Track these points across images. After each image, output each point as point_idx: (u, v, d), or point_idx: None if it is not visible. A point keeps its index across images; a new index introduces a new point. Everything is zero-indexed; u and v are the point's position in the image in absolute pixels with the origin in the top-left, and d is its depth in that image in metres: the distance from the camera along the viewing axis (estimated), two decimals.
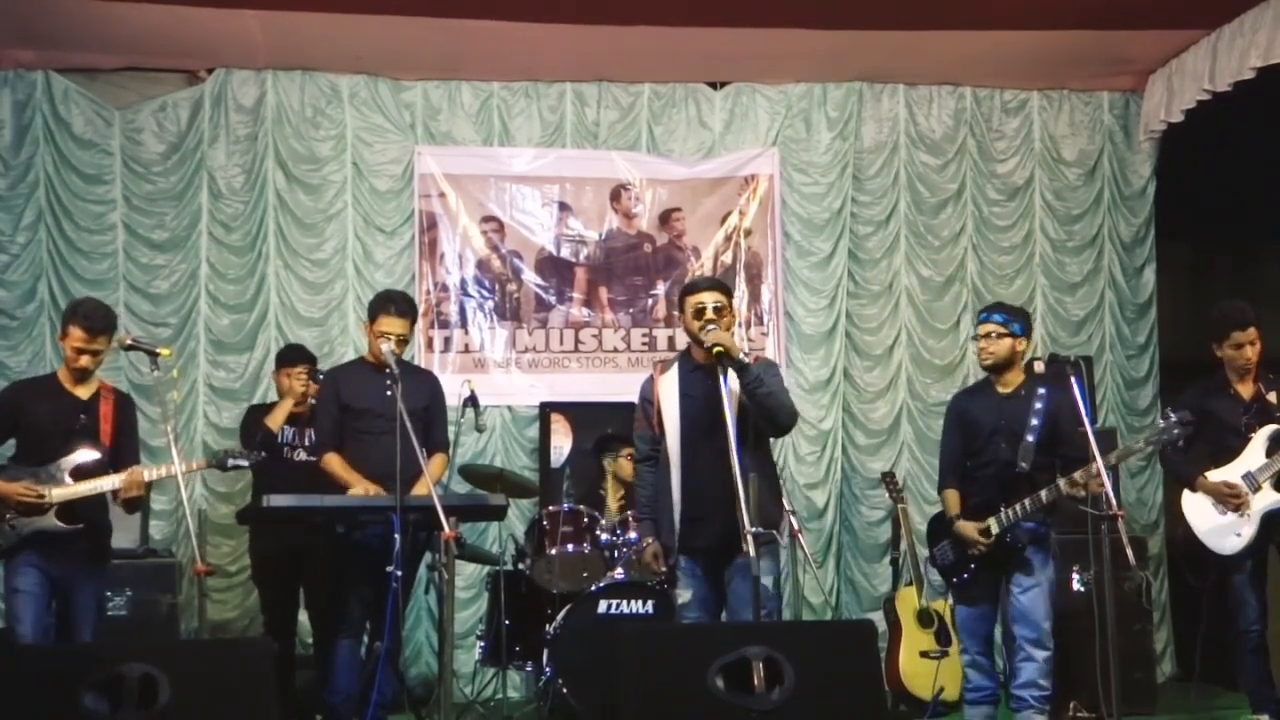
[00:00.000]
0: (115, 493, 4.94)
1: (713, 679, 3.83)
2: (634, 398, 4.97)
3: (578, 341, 7.45)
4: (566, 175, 7.52)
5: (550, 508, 6.19)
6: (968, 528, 5.08)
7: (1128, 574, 6.02)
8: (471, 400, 6.21)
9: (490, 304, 7.41)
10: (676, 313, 4.94)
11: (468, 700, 6.35)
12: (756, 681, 3.84)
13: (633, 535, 5.83)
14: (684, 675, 3.85)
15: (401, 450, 4.80)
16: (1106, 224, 7.83)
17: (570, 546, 6.01)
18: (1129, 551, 4.76)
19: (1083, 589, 6.05)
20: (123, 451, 5.05)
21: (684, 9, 6.59)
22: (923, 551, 5.98)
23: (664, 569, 4.74)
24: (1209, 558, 5.53)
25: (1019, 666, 5.04)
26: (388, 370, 5.07)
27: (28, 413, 4.99)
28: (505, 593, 5.94)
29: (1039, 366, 6.63)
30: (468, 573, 6.93)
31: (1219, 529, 5.47)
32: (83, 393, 5.03)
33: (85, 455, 4.94)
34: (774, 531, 4.67)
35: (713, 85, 7.65)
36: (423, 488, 4.93)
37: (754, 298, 7.61)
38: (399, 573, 4.79)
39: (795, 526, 5.98)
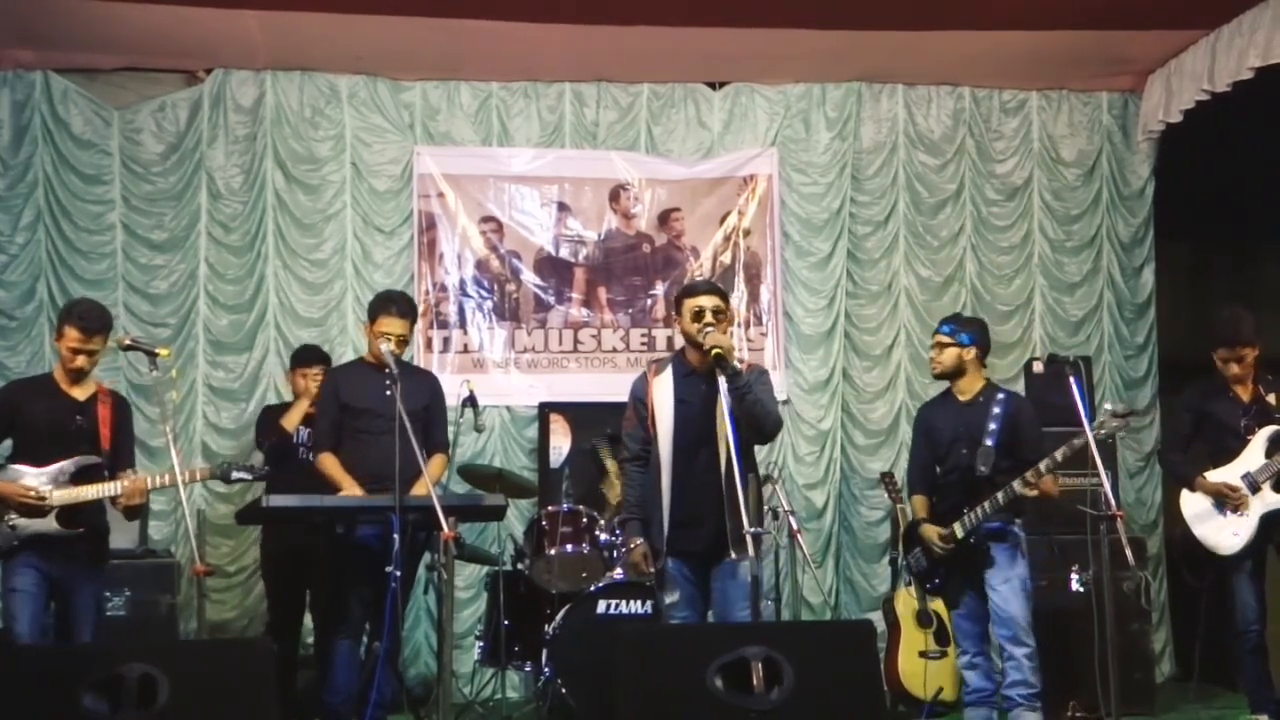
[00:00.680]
0: (115, 498, 4.93)
1: (711, 679, 3.84)
2: None
3: (576, 342, 7.45)
4: (565, 175, 7.52)
5: (549, 508, 6.20)
6: (929, 531, 5.20)
7: (1127, 574, 6.03)
8: (470, 400, 6.22)
9: (489, 304, 7.41)
10: (674, 314, 4.90)
11: (467, 700, 6.36)
12: (755, 682, 3.84)
13: None
14: (683, 675, 3.85)
15: (401, 450, 4.81)
16: (1105, 224, 7.83)
17: (569, 547, 6.01)
18: (1128, 552, 4.79)
19: (1082, 589, 6.06)
20: (119, 455, 5.04)
21: (683, 9, 6.59)
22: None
23: (652, 570, 4.74)
24: (1208, 558, 5.55)
25: (1005, 668, 5.10)
26: (387, 370, 5.08)
27: (24, 412, 4.98)
28: (504, 593, 5.94)
29: (1037, 367, 6.67)
30: (467, 573, 6.93)
31: (1218, 529, 5.49)
32: (79, 394, 5.02)
33: (86, 459, 4.93)
34: (770, 531, 4.68)
35: (712, 85, 7.65)
36: (422, 488, 4.95)
37: (753, 298, 7.61)
38: (398, 573, 4.80)
39: (794, 526, 6.02)
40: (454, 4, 6.49)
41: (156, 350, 4.95)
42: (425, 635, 6.99)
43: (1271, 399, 5.57)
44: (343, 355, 6.93)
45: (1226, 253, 8.40)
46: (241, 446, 6.88)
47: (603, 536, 6.06)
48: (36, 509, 4.82)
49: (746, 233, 7.61)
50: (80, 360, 4.95)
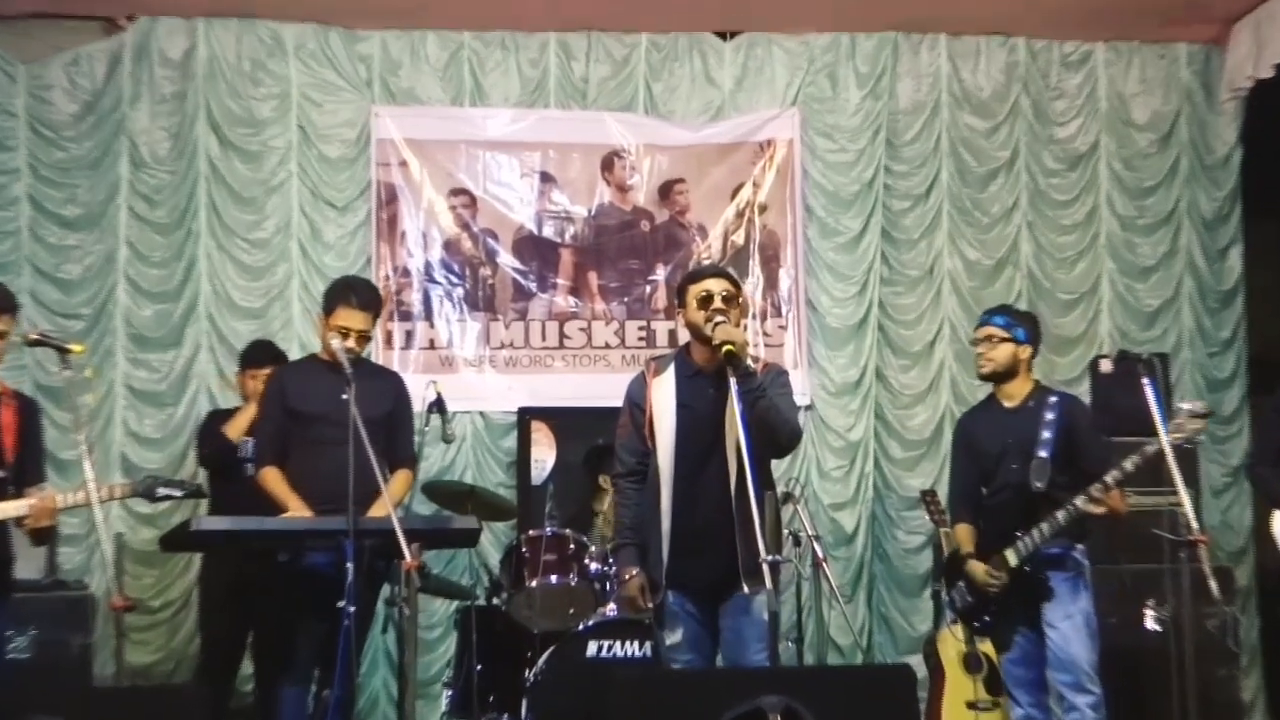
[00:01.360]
0: (20, 520, 4.90)
1: None
2: None
3: (563, 336, 7.45)
4: (550, 141, 7.52)
5: (530, 532, 6.17)
6: (976, 568, 5.17)
7: (1211, 610, 6.02)
8: (437, 405, 6.20)
9: (459, 292, 7.40)
10: (677, 304, 4.88)
11: None
12: None
13: None
14: None
15: (357, 464, 4.79)
16: (1184, 198, 7.83)
17: (554, 578, 5.99)
18: (1212, 584, 4.75)
19: (1158, 628, 6.06)
20: (26, 468, 4.99)
21: None
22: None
23: (651, 605, 4.72)
24: None
25: (1065, 718, 5.06)
26: (344, 370, 5.06)
27: None
28: (477, 632, 5.92)
29: (1105, 365, 6.65)
30: (433, 609, 6.93)
31: None
32: None
33: None
34: (790, 559, 4.67)
35: (722, 35, 7.65)
36: (381, 508, 4.92)
37: (770, 284, 7.61)
38: (352, 608, 4.77)
39: (819, 554, 6.00)
40: None
41: (68, 346, 4.91)
42: (384, 682, 6.99)
43: None
44: (287, 353, 6.90)
45: None
46: (168, 458, 6.87)
47: (593, 566, 6.04)
48: None
49: (763, 208, 7.60)
50: None
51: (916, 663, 6.49)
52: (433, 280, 7.38)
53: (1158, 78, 7.86)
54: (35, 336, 5.01)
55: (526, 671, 5.77)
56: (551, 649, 5.74)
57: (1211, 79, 7.85)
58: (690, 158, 7.59)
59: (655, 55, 7.59)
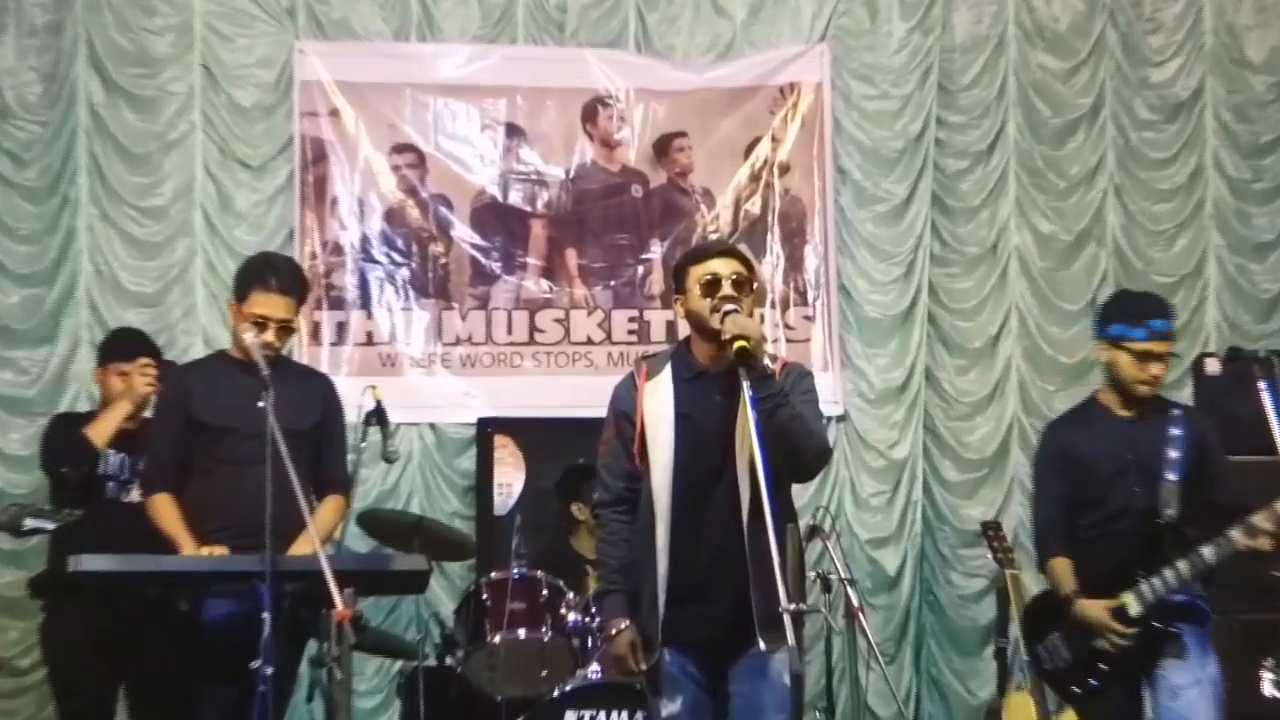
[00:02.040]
0: None
1: None
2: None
3: (534, 329, 7.47)
4: (518, 84, 7.54)
5: (493, 575, 6.19)
6: (1093, 609, 5.06)
7: None
8: (377, 415, 6.19)
9: (404, 273, 7.42)
10: (676, 289, 4.87)
11: None
12: None
13: None
14: None
15: (276, 489, 4.79)
16: None
17: (522, 631, 6.00)
18: None
19: (1278, 694, 6.06)
20: None
21: None
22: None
23: (643, 666, 4.72)
24: None
25: None
26: (260, 371, 5.06)
27: None
28: (425, 700, 5.94)
29: (1212, 365, 6.66)
30: (371, 670, 6.95)
31: None
32: None
33: None
34: (818, 608, 4.67)
35: None
36: (306, 545, 4.92)
37: (794, 264, 7.63)
38: (269, 670, 4.77)
39: (855, 602, 6.01)
40: None
41: None
42: None
43: None
44: (188, 349, 6.93)
45: None
46: (38, 481, 6.85)
47: (571, 617, 6.05)
48: None
49: (785, 169, 7.62)
50: None
51: None
52: (371, 259, 7.39)
53: (1277, 7, 7.89)
54: None
55: None
56: (520, 719, 5.74)
57: None
58: (694, 106, 7.61)
59: None
